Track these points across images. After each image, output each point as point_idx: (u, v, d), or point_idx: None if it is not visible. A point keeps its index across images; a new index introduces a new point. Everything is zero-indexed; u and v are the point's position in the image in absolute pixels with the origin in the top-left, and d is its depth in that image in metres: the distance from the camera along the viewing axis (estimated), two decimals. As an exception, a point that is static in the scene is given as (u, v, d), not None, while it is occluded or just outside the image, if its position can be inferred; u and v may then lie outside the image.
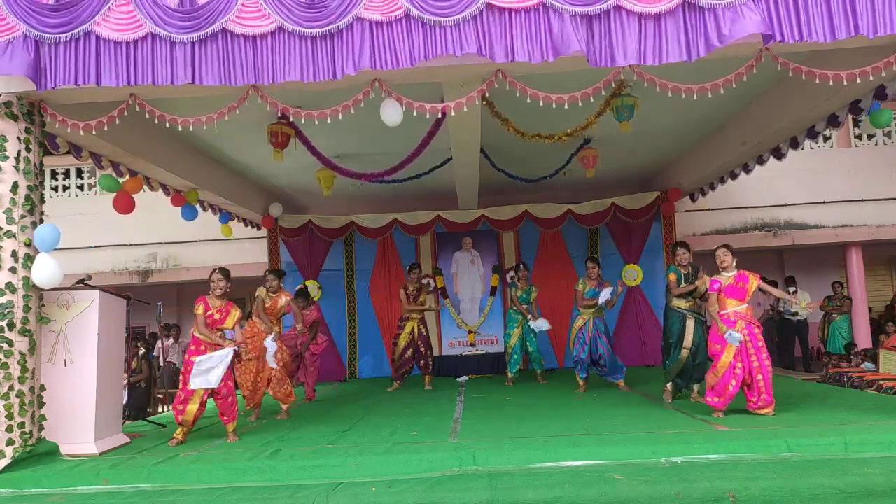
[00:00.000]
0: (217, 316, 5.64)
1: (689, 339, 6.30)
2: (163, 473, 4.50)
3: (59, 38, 4.66)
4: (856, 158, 11.51)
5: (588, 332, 7.52)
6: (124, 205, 7.22)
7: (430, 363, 8.80)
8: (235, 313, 5.73)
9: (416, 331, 8.62)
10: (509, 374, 8.71)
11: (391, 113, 5.26)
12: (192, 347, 5.58)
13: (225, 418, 5.58)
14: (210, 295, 5.71)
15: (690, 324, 6.34)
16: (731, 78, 4.97)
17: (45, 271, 4.93)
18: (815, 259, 12.94)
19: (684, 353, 6.31)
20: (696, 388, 6.45)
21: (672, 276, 6.51)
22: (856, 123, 11.67)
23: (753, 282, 5.53)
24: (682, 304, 6.43)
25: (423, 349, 8.66)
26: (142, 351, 10.08)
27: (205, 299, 5.67)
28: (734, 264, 5.63)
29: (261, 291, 7.03)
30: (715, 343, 5.56)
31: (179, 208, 8.45)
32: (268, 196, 10.51)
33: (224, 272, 5.77)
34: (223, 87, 4.85)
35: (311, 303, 8.60)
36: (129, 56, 4.69)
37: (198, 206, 8.69)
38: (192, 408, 5.42)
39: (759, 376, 5.38)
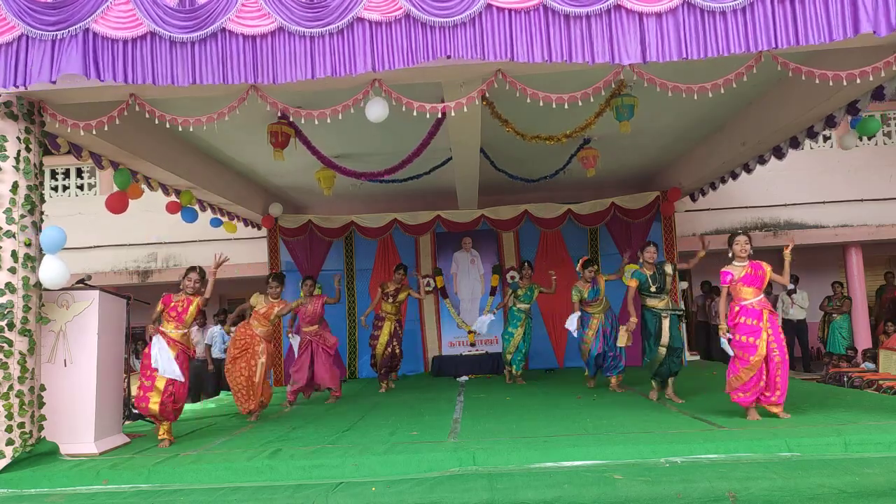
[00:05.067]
0: (179, 308, 5.69)
1: (665, 338, 6.35)
2: (163, 473, 4.50)
3: (57, 35, 4.64)
4: (856, 158, 11.48)
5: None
6: (118, 205, 7.21)
7: (399, 365, 9.10)
8: (195, 303, 5.74)
9: (393, 330, 8.72)
10: (515, 371, 8.68)
11: (376, 110, 5.21)
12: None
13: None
14: (179, 292, 5.75)
15: (666, 323, 6.39)
16: (731, 78, 4.97)
17: (53, 271, 4.95)
18: (814, 259, 12.93)
19: (661, 350, 6.36)
20: (671, 382, 6.50)
21: (633, 283, 6.47)
22: (856, 124, 11.67)
23: (768, 269, 5.34)
24: (656, 303, 6.46)
25: (398, 350, 8.79)
26: None
27: (169, 295, 5.74)
28: (749, 254, 5.43)
29: (256, 300, 6.99)
30: (745, 336, 5.24)
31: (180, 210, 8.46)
32: (268, 196, 10.51)
33: (201, 272, 5.83)
34: (223, 87, 4.85)
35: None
36: (128, 55, 4.68)
37: (196, 208, 8.69)
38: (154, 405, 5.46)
39: (779, 372, 5.19)
